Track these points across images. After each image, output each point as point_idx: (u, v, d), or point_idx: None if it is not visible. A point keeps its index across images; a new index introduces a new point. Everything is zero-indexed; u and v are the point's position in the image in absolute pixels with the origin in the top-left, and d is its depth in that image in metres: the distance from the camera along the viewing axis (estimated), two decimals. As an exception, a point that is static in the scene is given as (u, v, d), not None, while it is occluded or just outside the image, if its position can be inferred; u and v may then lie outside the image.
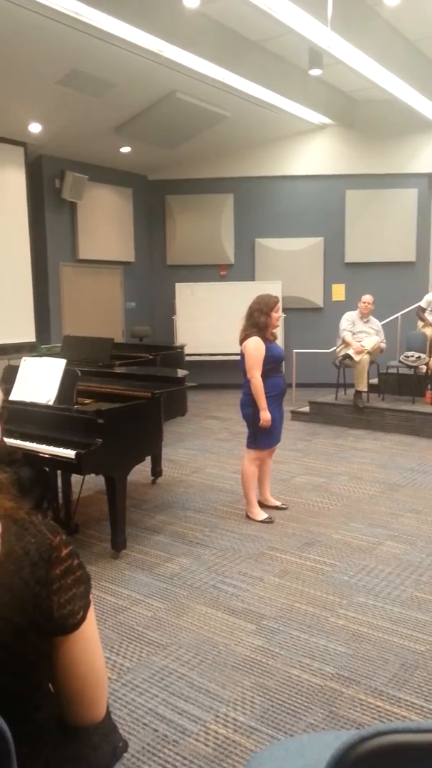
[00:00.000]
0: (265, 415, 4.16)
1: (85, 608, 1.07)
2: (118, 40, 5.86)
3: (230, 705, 2.38)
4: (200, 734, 2.22)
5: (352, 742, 0.88)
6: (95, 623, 1.11)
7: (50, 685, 1.12)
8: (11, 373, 3.97)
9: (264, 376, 4.16)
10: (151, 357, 6.46)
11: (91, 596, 1.10)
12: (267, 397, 4.19)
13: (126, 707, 2.37)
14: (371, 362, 7.39)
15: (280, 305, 4.23)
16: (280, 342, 4.51)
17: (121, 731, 1.36)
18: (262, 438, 4.31)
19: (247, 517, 4.39)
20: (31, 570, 1.01)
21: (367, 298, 7.44)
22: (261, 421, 4.16)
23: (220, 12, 6.02)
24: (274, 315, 4.19)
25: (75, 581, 1.06)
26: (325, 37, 5.93)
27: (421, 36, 6.84)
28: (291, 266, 9.91)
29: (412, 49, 7.12)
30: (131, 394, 4.03)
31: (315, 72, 6.76)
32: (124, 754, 1.31)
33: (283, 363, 4.49)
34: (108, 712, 1.23)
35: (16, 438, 3.60)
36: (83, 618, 1.06)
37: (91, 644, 1.09)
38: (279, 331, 4.45)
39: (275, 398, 4.25)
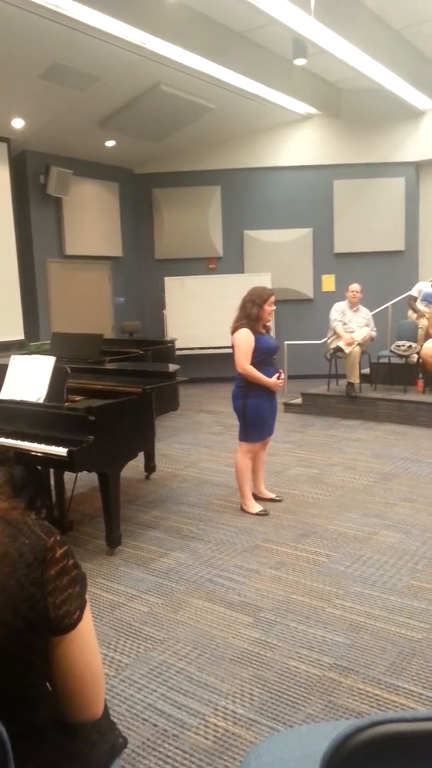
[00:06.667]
0: (269, 380, 4.18)
1: (81, 608, 1.07)
2: (100, 33, 5.81)
3: (229, 698, 2.39)
4: (200, 728, 2.23)
5: (348, 733, 0.88)
6: (91, 622, 1.11)
7: (47, 684, 1.12)
8: (0, 371, 3.95)
9: (254, 368, 4.15)
10: (141, 352, 6.44)
11: (87, 595, 1.10)
12: (259, 390, 4.20)
13: (125, 703, 2.38)
14: (362, 353, 7.41)
15: (273, 298, 4.23)
16: (271, 334, 4.50)
17: (120, 727, 1.36)
18: (252, 430, 4.31)
19: (242, 510, 4.40)
20: (26, 571, 1.00)
21: (355, 286, 7.43)
22: (272, 385, 4.19)
23: (203, 3, 5.97)
24: (267, 308, 4.18)
25: (70, 581, 1.05)
26: (309, 26, 5.91)
27: (405, 24, 6.82)
28: (280, 258, 9.89)
29: (396, 37, 7.10)
30: (122, 390, 4.01)
31: (300, 62, 6.73)
32: (124, 750, 1.31)
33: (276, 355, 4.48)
34: (106, 710, 1.23)
35: (7, 437, 3.59)
36: (79, 618, 1.06)
37: (87, 643, 1.09)
38: (269, 323, 4.45)
39: (267, 390, 4.25)
